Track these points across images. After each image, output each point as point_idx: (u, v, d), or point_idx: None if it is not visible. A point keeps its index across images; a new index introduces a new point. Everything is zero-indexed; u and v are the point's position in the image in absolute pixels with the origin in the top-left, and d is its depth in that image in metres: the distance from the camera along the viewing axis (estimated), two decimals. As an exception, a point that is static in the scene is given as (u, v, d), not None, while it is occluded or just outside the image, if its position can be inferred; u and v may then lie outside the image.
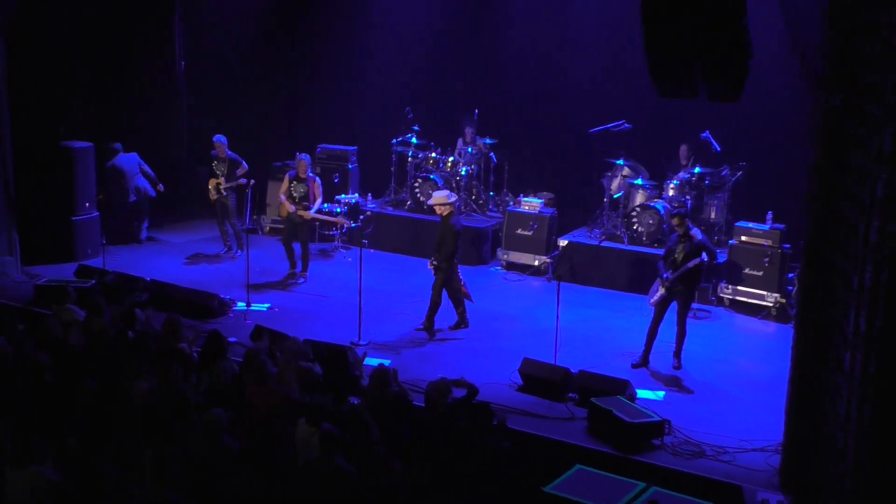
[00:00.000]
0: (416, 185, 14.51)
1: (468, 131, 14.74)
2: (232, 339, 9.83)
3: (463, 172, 14.45)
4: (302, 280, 12.94)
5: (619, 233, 13.36)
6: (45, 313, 10.46)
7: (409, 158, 14.85)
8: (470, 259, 13.70)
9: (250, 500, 6.53)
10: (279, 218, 14.04)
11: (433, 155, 14.68)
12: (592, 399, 8.84)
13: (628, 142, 13.63)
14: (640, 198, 13.38)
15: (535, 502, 7.19)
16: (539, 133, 15.19)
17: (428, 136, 14.88)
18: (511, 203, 14.39)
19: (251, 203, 13.12)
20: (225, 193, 13.76)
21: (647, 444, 8.41)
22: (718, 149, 13.04)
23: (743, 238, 12.27)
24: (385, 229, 14.72)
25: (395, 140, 14.91)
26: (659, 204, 13.06)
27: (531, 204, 13.82)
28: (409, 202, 14.71)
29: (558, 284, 10.28)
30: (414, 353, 10.58)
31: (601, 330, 11.44)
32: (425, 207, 13.82)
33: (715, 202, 13.25)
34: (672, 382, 9.93)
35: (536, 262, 13.62)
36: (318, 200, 13.05)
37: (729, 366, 10.48)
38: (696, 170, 13.19)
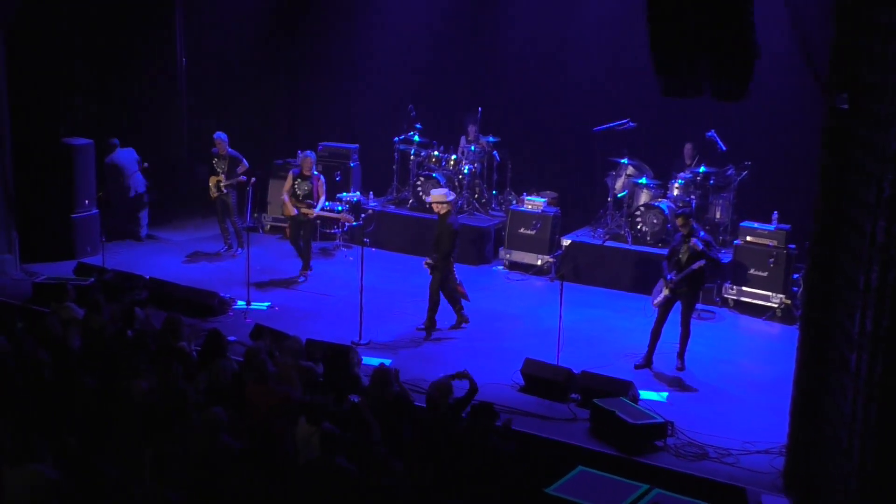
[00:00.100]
0: (419, 183, 14.40)
1: (471, 129, 14.62)
2: (232, 338, 9.77)
3: (466, 171, 14.36)
4: (302, 279, 12.90)
5: (622, 232, 13.30)
6: (44, 311, 10.45)
7: (412, 157, 14.75)
8: (472, 258, 13.67)
9: (250, 500, 6.50)
10: (280, 216, 14.00)
11: (436, 153, 14.57)
12: (595, 400, 8.80)
13: (632, 141, 13.58)
14: (644, 197, 13.33)
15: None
16: (541, 132, 15.13)
17: (429, 135, 14.81)
18: (514, 202, 14.28)
19: (252, 201, 13.08)
20: (225, 191, 13.71)
21: (650, 445, 8.38)
22: (724, 148, 12.98)
23: (748, 238, 12.22)
24: (387, 228, 14.64)
25: (397, 138, 14.83)
26: (663, 203, 13.00)
27: (534, 203, 13.74)
28: (411, 201, 14.61)
29: (561, 284, 10.22)
30: (414, 353, 10.54)
31: (604, 330, 11.39)
32: (427, 206, 13.73)
33: (720, 202, 13.18)
34: (675, 383, 9.89)
35: (539, 262, 13.55)
36: (322, 198, 13.01)
37: (733, 367, 10.43)
38: (702, 169, 13.14)
